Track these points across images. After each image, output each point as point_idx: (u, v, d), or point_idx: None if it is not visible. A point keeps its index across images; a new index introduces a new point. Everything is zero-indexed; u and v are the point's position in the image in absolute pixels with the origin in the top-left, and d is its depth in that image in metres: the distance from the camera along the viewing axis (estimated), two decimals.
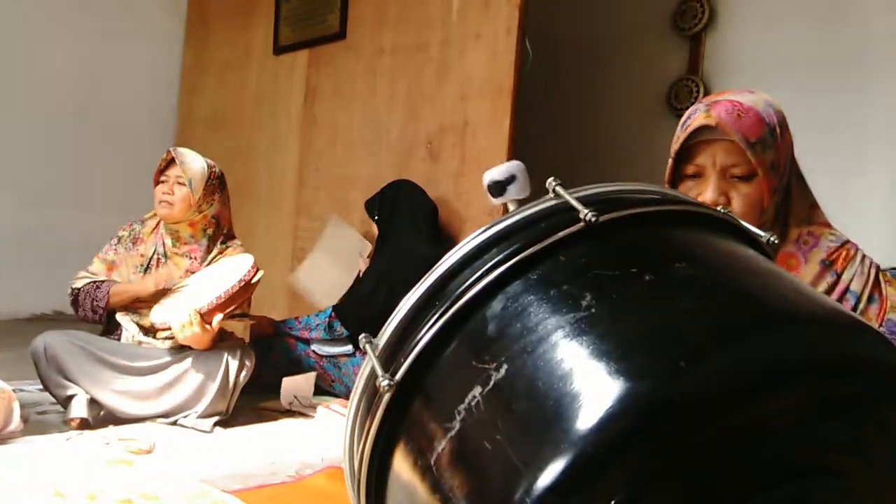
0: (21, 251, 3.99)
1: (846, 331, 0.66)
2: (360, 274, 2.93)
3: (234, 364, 2.17)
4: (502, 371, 0.67)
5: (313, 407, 2.40)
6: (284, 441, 2.10)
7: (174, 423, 2.15)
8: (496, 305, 0.72)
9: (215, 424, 2.16)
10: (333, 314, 2.68)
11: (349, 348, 2.64)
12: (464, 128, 3.09)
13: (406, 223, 2.81)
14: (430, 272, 0.78)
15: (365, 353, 0.80)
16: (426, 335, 0.74)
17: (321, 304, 2.96)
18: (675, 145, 1.25)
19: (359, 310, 2.68)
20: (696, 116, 1.23)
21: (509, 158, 2.89)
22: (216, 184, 2.41)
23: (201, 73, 4.54)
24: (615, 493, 0.59)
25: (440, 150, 3.17)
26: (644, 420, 0.59)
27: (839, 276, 1.20)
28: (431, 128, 3.21)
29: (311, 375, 2.48)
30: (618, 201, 0.77)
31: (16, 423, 1.87)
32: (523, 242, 0.74)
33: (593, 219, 0.72)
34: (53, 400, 2.14)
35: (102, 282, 2.27)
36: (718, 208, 0.87)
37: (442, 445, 0.70)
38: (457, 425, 0.68)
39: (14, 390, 2.20)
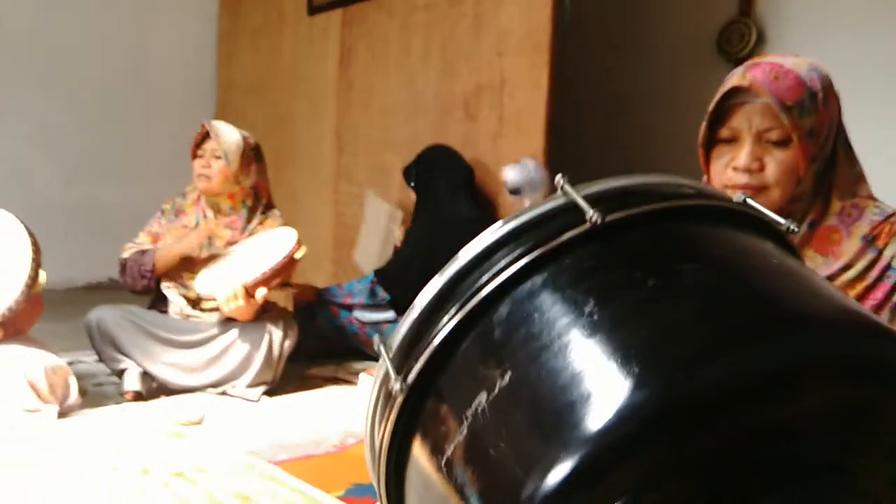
0: (72, 223, 4.13)
1: (860, 333, 0.64)
2: (400, 241, 2.95)
3: (277, 335, 2.23)
4: (507, 378, 0.67)
5: (356, 373, 2.45)
6: (328, 409, 2.17)
7: (223, 393, 2.23)
8: (503, 310, 0.72)
9: (262, 393, 2.23)
10: (375, 280, 2.71)
11: (391, 314, 2.68)
12: (501, 86, 3.03)
13: (442, 188, 2.81)
14: (441, 272, 0.79)
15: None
16: (436, 339, 0.74)
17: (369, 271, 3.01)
18: (710, 107, 1.21)
19: (400, 274, 2.72)
20: (732, 78, 1.19)
21: (548, 117, 2.85)
22: (252, 155, 2.43)
23: (237, 40, 4.55)
24: (621, 495, 0.59)
25: (477, 109, 3.13)
26: (644, 424, 0.58)
27: (881, 252, 1.15)
28: (468, 87, 3.16)
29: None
30: (627, 198, 0.75)
31: (73, 397, 1.96)
32: (530, 244, 0.74)
33: (598, 220, 0.71)
34: (109, 371, 2.25)
35: (147, 250, 2.34)
36: (738, 196, 0.85)
37: (452, 448, 0.71)
38: (465, 430, 0.69)
39: (71, 362, 2.32)
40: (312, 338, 2.54)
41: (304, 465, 1.73)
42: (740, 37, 3.30)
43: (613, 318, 0.65)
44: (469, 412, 0.69)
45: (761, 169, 1.16)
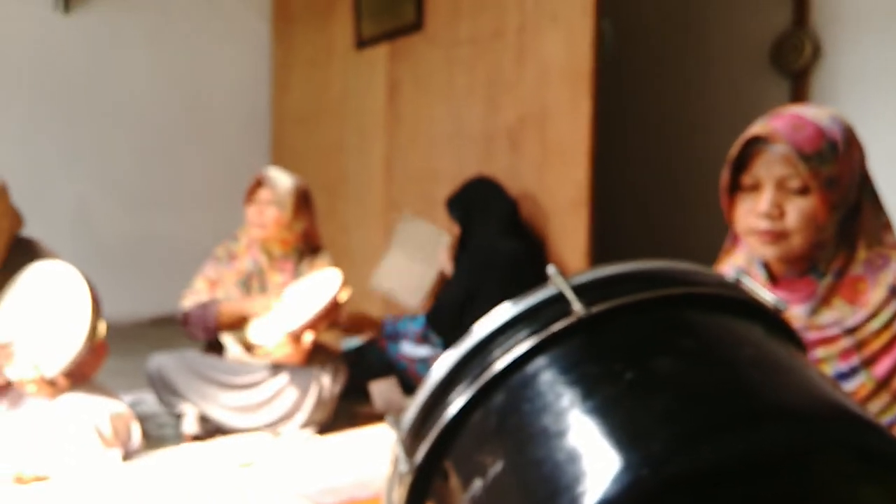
0: (135, 257, 4.31)
1: (830, 423, 0.67)
2: (446, 274, 3.00)
3: (326, 378, 2.31)
4: (498, 466, 0.72)
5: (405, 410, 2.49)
6: (377, 449, 2.22)
7: (276, 434, 2.31)
8: (498, 398, 0.77)
9: (313, 434, 2.30)
10: (427, 325, 2.76)
11: (439, 350, 2.72)
12: (543, 116, 3.05)
13: (486, 221, 2.85)
14: (443, 358, 0.83)
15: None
16: (439, 424, 0.79)
17: (407, 303, 3.06)
18: (732, 153, 1.25)
19: (450, 317, 2.76)
20: (754, 127, 1.23)
21: (591, 144, 2.85)
22: (303, 201, 2.51)
23: (289, 72, 4.71)
24: None
25: (521, 140, 3.15)
26: None
27: None
28: (511, 117, 3.19)
29: (394, 380, 2.58)
30: (614, 288, 0.79)
31: (136, 441, 2.08)
32: (523, 334, 0.78)
33: (583, 312, 0.75)
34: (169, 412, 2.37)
35: (209, 302, 2.43)
36: (733, 274, 0.87)
37: None
38: None
39: (134, 403, 2.45)
40: (365, 373, 2.60)
41: None
42: (795, 49, 3.21)
43: (592, 411, 0.70)
44: (467, 495, 0.74)
45: (782, 216, 1.18)
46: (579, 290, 0.77)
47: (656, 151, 3.76)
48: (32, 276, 2.03)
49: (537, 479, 0.67)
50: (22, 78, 4.07)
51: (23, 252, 2.10)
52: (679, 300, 0.77)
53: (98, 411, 1.98)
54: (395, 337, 2.89)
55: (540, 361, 0.75)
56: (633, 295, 0.76)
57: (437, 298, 2.90)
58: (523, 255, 2.80)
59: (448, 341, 2.72)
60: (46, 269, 2.04)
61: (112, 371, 2.24)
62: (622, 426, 0.66)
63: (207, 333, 2.40)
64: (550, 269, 0.81)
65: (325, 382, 2.29)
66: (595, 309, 0.74)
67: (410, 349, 2.73)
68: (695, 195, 3.44)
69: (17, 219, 2.09)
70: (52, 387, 1.96)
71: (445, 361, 0.84)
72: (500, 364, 0.76)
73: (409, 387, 2.77)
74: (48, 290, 2.01)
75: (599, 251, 2.90)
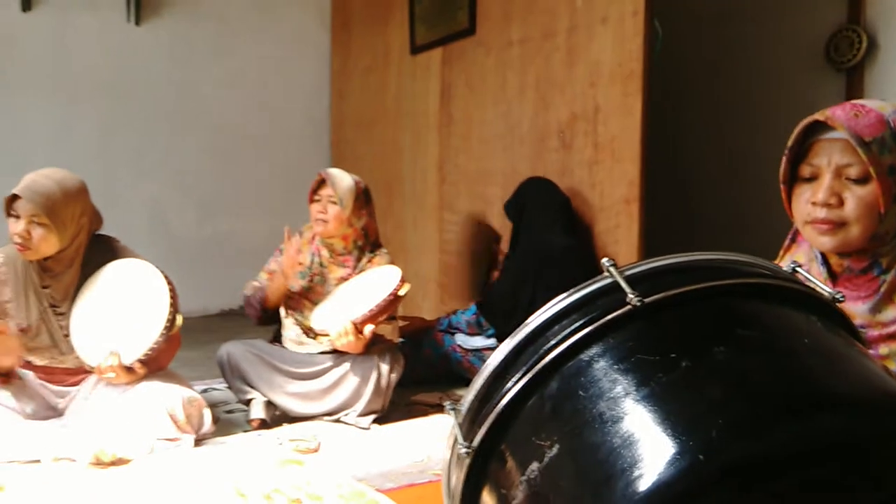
0: (206, 255, 4.54)
1: (891, 415, 0.68)
2: (499, 266, 3.07)
3: (385, 367, 2.40)
4: (554, 450, 0.76)
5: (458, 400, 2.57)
6: (434, 437, 2.30)
7: (337, 421, 2.42)
8: (553, 385, 0.81)
9: (373, 421, 2.40)
10: (478, 311, 2.84)
11: (494, 342, 2.79)
12: (595, 115, 3.08)
13: (538, 219, 2.90)
14: (500, 347, 0.89)
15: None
16: (496, 409, 0.84)
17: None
18: (790, 142, 1.23)
19: (500, 305, 2.82)
20: (814, 115, 1.20)
21: (643, 143, 2.87)
22: (363, 198, 2.61)
23: (348, 77, 4.84)
24: None
25: (572, 138, 3.19)
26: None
27: None
28: (562, 117, 3.23)
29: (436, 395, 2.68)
30: (669, 278, 0.82)
31: (207, 426, 2.20)
32: (578, 324, 0.82)
33: (638, 301, 0.79)
34: (237, 399, 2.49)
35: (261, 285, 2.57)
36: (789, 265, 0.89)
37: None
38: (519, 494, 0.79)
39: (205, 390, 2.59)
40: (419, 366, 2.69)
41: (408, 493, 1.87)
42: (850, 45, 3.17)
43: (648, 398, 0.72)
44: (524, 478, 0.78)
45: (840, 204, 1.16)
46: (633, 281, 0.80)
47: (709, 149, 3.75)
48: (115, 270, 2.17)
49: (593, 463, 0.71)
50: (98, 86, 4.29)
51: (102, 249, 2.24)
52: (734, 290, 0.79)
53: (172, 397, 2.11)
54: (450, 329, 2.98)
55: (594, 350, 0.78)
56: (688, 285, 0.78)
57: (491, 288, 2.98)
58: (576, 250, 2.86)
59: (498, 330, 2.79)
60: (128, 265, 2.18)
61: (184, 361, 2.38)
62: (678, 413, 0.68)
63: (259, 307, 2.50)
64: (605, 261, 0.86)
65: (384, 371, 2.39)
66: (649, 298, 0.76)
67: (464, 340, 2.81)
68: (749, 192, 3.42)
69: (96, 217, 2.24)
70: (131, 374, 2.08)
71: (502, 350, 0.88)
72: (555, 352, 0.80)
73: (462, 378, 2.84)
74: (130, 284, 2.15)
75: (651, 248, 2.92)
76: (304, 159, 4.78)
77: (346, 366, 2.41)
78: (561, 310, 0.85)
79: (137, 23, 4.36)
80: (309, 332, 2.52)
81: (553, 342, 0.82)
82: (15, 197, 2.04)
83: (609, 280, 0.84)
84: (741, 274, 0.84)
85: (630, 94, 2.90)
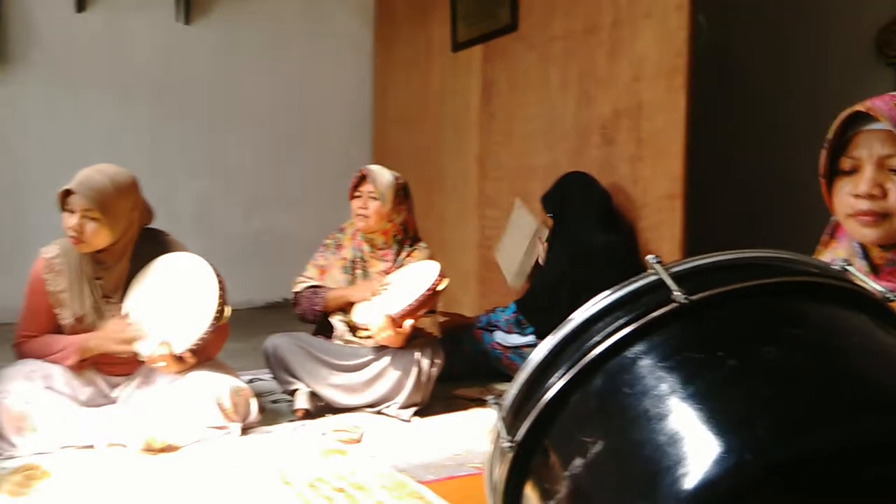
0: (251, 250, 4.64)
1: None
2: (539, 262, 3.08)
3: (425, 361, 2.42)
4: (598, 446, 0.77)
5: (499, 395, 2.58)
6: (474, 431, 2.32)
7: (379, 413, 2.45)
8: (597, 382, 0.82)
9: (413, 414, 2.42)
10: (517, 310, 2.84)
11: (532, 339, 2.79)
12: (638, 110, 3.05)
13: (579, 214, 2.89)
14: (543, 343, 0.90)
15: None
16: (539, 404, 0.85)
17: (509, 282, 3.15)
18: (829, 134, 1.21)
19: (540, 302, 2.83)
20: (853, 107, 1.19)
21: (686, 139, 2.84)
22: (403, 194, 2.65)
23: (390, 74, 4.89)
24: None
25: (615, 134, 3.17)
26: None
27: None
28: (605, 112, 3.21)
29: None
30: (715, 276, 0.82)
31: (254, 415, 2.25)
32: (622, 321, 0.83)
33: (684, 299, 0.79)
34: (282, 390, 2.55)
35: (318, 287, 2.61)
36: (838, 264, 0.88)
37: (556, 501, 0.82)
38: (562, 489, 0.80)
39: (251, 380, 2.65)
40: (457, 362, 2.71)
41: (449, 485, 1.88)
42: None
43: (694, 396, 0.72)
44: (567, 473, 0.79)
45: (884, 195, 1.15)
46: (679, 278, 0.79)
47: (756, 144, 3.68)
48: (166, 263, 2.24)
49: (638, 460, 0.71)
50: (148, 85, 4.42)
51: (152, 242, 2.31)
52: (782, 288, 0.78)
53: (220, 387, 2.16)
54: (489, 327, 2.99)
55: (639, 347, 0.78)
56: (734, 283, 0.77)
57: (531, 284, 2.98)
58: (618, 247, 2.84)
59: (537, 328, 2.79)
60: (179, 258, 2.24)
61: (230, 351, 2.43)
62: (725, 411, 0.68)
63: (314, 315, 2.57)
64: (650, 258, 0.86)
65: (424, 365, 2.41)
66: (696, 296, 0.76)
67: (503, 338, 2.82)
68: (797, 189, 3.35)
69: (147, 211, 2.31)
70: (180, 363, 2.14)
71: (545, 345, 0.89)
72: (600, 349, 0.80)
73: (501, 374, 2.85)
74: (180, 277, 2.21)
75: (695, 246, 2.89)
76: (346, 156, 4.85)
77: (387, 359, 2.44)
78: (605, 307, 0.86)
79: (187, 22, 4.47)
80: (354, 330, 2.56)
81: (597, 339, 0.83)
82: (69, 192, 2.11)
83: (654, 277, 0.84)
84: (789, 272, 0.83)
85: (674, 89, 2.87)
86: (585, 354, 0.82)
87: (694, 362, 0.76)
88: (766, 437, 0.66)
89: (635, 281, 0.86)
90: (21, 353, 2.19)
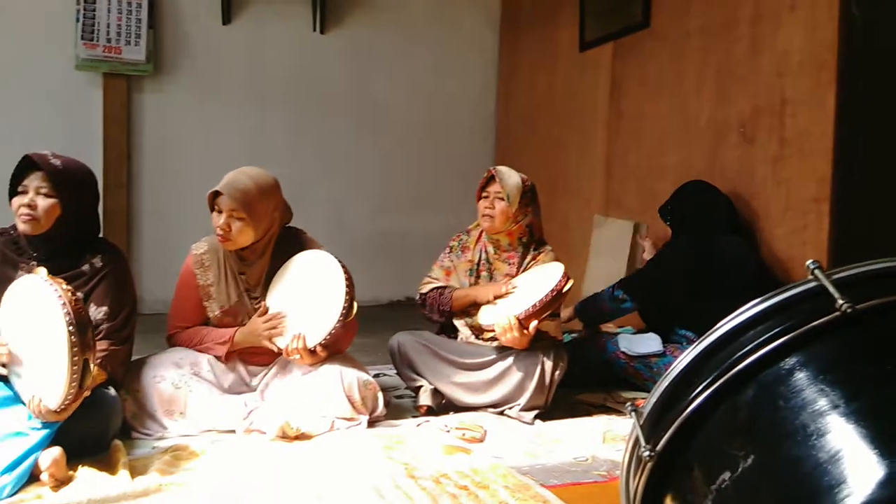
0: (377, 249, 4.77)
1: None
2: (644, 257, 3.07)
3: (549, 364, 2.40)
4: (749, 461, 0.73)
5: (624, 402, 2.52)
6: (598, 437, 2.27)
7: (501, 413, 2.45)
8: (748, 392, 0.78)
9: (535, 417, 2.40)
10: (616, 285, 2.87)
11: (657, 346, 2.70)
12: (782, 108, 2.88)
13: (700, 223, 2.83)
14: (690, 349, 0.86)
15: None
16: (683, 413, 0.82)
17: None
18: None
19: (646, 284, 2.84)
20: None
21: (835, 139, 2.65)
22: (529, 196, 2.63)
23: (515, 76, 4.89)
24: None
25: (754, 133, 3.00)
26: None
27: None
28: (744, 110, 3.05)
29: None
30: (881, 284, 0.76)
31: (380, 409, 2.32)
32: (778, 330, 0.78)
33: (849, 308, 0.73)
34: (406, 386, 2.60)
35: (444, 287, 2.64)
36: None
37: None
38: (708, 502, 0.76)
39: (377, 375, 2.72)
40: (579, 369, 2.66)
41: (573, 492, 1.85)
42: None
43: (859, 412, 0.68)
44: (714, 486, 0.75)
45: None
46: (841, 285, 0.75)
47: None
48: (302, 260, 2.35)
49: (795, 478, 0.67)
50: (285, 91, 4.66)
51: (291, 240, 2.42)
52: None
53: (350, 380, 2.24)
54: (613, 333, 2.93)
55: (796, 357, 0.74)
56: None
57: (642, 268, 2.98)
58: (741, 252, 2.73)
59: (637, 302, 2.82)
60: (313, 256, 2.35)
61: (356, 346, 2.52)
62: (893, 432, 0.64)
63: (441, 315, 2.61)
64: (810, 263, 0.80)
65: (547, 368, 2.39)
66: (862, 305, 0.72)
67: (628, 346, 2.73)
68: None
69: (287, 211, 2.43)
70: (313, 356, 2.25)
71: (689, 354, 0.86)
72: (752, 358, 0.76)
73: (627, 383, 2.77)
74: (314, 274, 2.31)
75: (843, 252, 2.68)
76: (471, 159, 4.91)
77: (510, 360, 2.44)
78: (756, 315, 0.82)
79: (322, 31, 4.67)
80: (478, 332, 2.57)
81: (748, 348, 0.79)
82: (217, 193, 2.25)
83: (813, 284, 0.79)
84: None
85: (822, 84, 2.68)
86: (736, 364, 0.79)
87: (859, 376, 0.71)
88: None
89: (791, 288, 0.81)
90: (173, 342, 2.37)
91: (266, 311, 2.30)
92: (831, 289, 0.76)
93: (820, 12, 2.69)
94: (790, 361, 0.75)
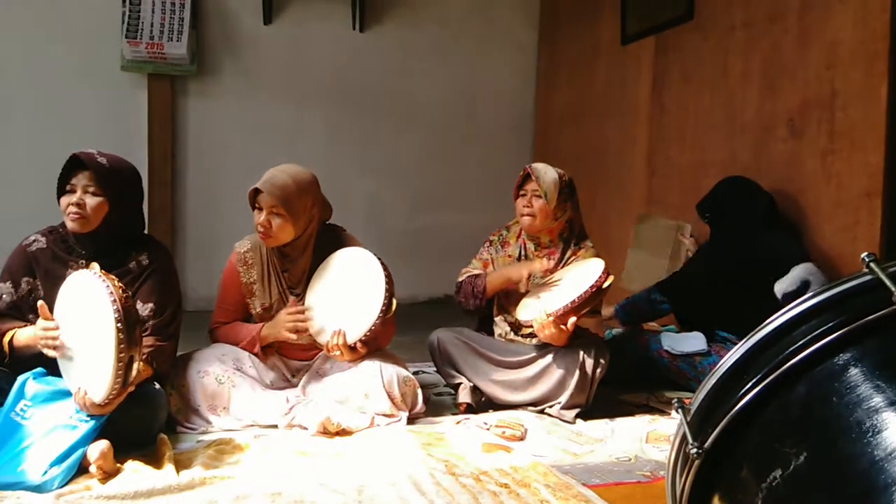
0: (415, 247, 4.79)
1: None
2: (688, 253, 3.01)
3: (590, 361, 2.36)
4: (802, 458, 0.71)
5: (668, 402, 2.47)
6: (640, 437, 2.23)
7: (541, 412, 2.43)
8: (801, 389, 0.75)
9: (576, 416, 2.38)
10: (657, 286, 2.83)
11: (702, 345, 2.64)
12: (832, 100, 2.80)
13: (740, 219, 2.77)
14: (739, 345, 0.84)
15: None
16: (733, 409, 0.80)
17: None
18: None
19: (683, 284, 2.81)
20: None
21: (887, 132, 2.56)
22: (567, 192, 2.59)
23: (554, 73, 4.85)
24: None
25: (803, 126, 2.92)
26: None
27: None
28: (792, 103, 2.98)
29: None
30: None
31: (420, 405, 2.32)
32: (831, 325, 0.76)
33: None
34: (445, 383, 2.60)
35: (478, 275, 2.61)
36: None
37: None
38: (759, 501, 0.74)
39: (416, 372, 2.72)
40: (621, 368, 2.62)
41: (616, 491, 1.82)
42: None
43: None
44: (765, 485, 0.73)
45: None
46: None
47: None
48: (341, 258, 2.36)
49: (850, 476, 0.66)
50: (325, 89, 4.71)
51: (331, 237, 2.44)
52: None
53: (390, 376, 2.25)
54: (656, 331, 2.88)
55: (850, 353, 0.72)
56: None
57: (681, 269, 2.91)
58: (785, 249, 2.66)
59: (674, 302, 2.78)
60: (353, 253, 2.36)
61: (395, 344, 2.52)
62: None
63: (476, 300, 2.54)
64: (865, 256, 0.77)
65: (588, 365, 2.35)
66: None
67: (671, 345, 2.68)
68: None
69: (326, 207, 2.44)
70: (353, 352, 2.26)
71: (738, 350, 0.84)
72: (803, 354, 0.74)
73: (670, 383, 2.73)
74: (353, 270, 2.32)
75: (895, 246, 2.60)
76: (509, 155, 4.89)
77: (550, 357, 2.41)
78: (808, 309, 0.79)
79: (361, 30, 4.71)
80: (517, 329, 2.55)
81: (801, 343, 0.77)
82: (258, 190, 2.27)
83: (868, 277, 0.77)
84: None
85: (875, 76, 2.60)
86: (788, 359, 0.77)
87: None
88: None
89: (846, 282, 0.79)
90: (215, 338, 2.40)
91: (293, 305, 2.32)
92: (888, 282, 0.73)
93: (871, 2, 2.60)
94: (844, 357, 0.73)
